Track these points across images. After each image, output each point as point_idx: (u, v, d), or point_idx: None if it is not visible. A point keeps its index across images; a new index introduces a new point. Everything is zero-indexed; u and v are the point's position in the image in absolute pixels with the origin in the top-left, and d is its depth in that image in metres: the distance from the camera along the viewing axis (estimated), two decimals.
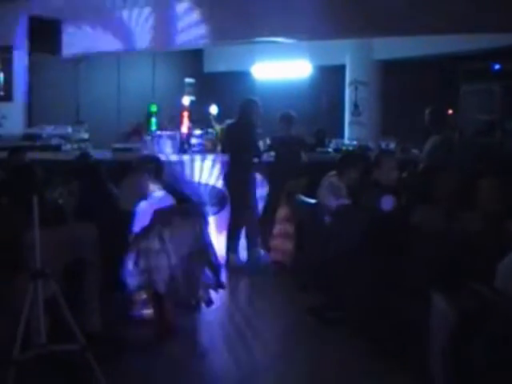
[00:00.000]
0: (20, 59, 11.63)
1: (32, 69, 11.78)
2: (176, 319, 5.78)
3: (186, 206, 6.11)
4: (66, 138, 10.24)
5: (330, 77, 13.20)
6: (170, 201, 5.92)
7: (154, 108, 9.88)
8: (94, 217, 5.51)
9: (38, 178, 5.22)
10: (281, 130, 8.94)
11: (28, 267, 4.61)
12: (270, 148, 8.98)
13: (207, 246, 5.99)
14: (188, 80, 13.53)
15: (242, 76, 13.77)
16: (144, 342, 5.50)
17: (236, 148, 8.33)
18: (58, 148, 9.81)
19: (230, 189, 8.36)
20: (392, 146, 9.70)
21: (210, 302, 6.13)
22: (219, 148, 9.17)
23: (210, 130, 9.56)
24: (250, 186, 8.21)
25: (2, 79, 11.40)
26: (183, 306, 5.85)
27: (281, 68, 13.62)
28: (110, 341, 5.32)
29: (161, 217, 5.56)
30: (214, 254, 6.04)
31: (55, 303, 4.54)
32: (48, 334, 4.57)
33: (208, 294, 6.10)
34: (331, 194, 6.94)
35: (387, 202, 5.62)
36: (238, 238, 8.24)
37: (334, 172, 7.18)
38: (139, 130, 10.10)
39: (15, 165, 7.05)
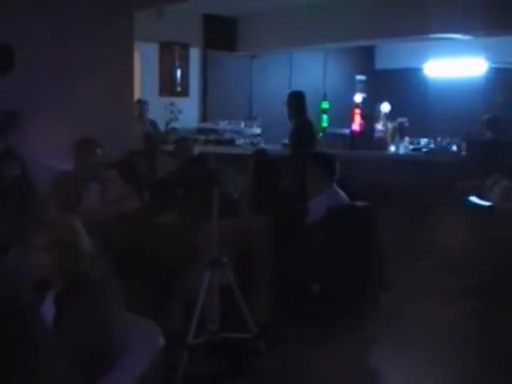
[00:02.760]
0: (196, 56, 12.03)
1: (207, 65, 12.15)
2: (340, 316, 5.78)
3: (358, 204, 6.08)
4: (238, 132, 10.51)
5: (506, 76, 12.73)
6: (342, 198, 5.92)
7: (325, 105, 9.91)
8: (268, 211, 5.61)
9: (215, 170, 5.37)
10: (488, 133, 8.77)
11: (203, 256, 4.77)
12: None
13: (374, 246, 5.96)
14: (359, 77, 13.49)
15: (415, 73, 13.52)
16: (310, 336, 5.53)
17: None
18: (231, 142, 10.06)
19: None
20: None
21: (375, 303, 6.09)
22: (392, 146, 9.10)
23: (380, 128, 9.48)
24: None
25: (179, 75, 11.82)
26: (347, 304, 5.84)
27: (455, 66, 13.28)
28: (278, 332, 5.41)
29: (333, 214, 5.59)
30: (380, 254, 6.00)
31: (229, 291, 4.67)
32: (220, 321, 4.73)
33: (373, 294, 6.06)
34: (505, 198, 6.73)
35: None
36: None
37: (499, 174, 6.96)
38: None
39: (184, 156, 7.28)
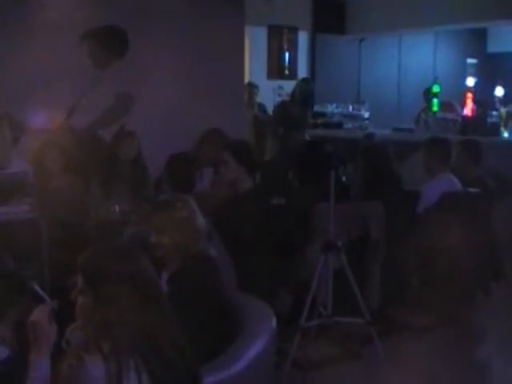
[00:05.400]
0: (304, 39, 12.00)
1: (315, 48, 12.10)
2: (451, 305, 5.67)
3: (473, 191, 5.92)
4: (346, 116, 10.43)
5: None
6: (456, 184, 5.81)
7: (436, 88, 9.70)
8: (379, 195, 5.55)
9: (331, 154, 5.36)
10: None
11: (317, 239, 4.77)
12: None
13: (488, 235, 5.81)
14: (470, 60, 13.13)
15: None
16: (420, 325, 5.47)
17: None
18: (339, 126, 10.01)
19: None
20: None
21: (488, 292, 5.95)
22: (505, 132, 8.83)
23: (493, 113, 9.21)
24: None
25: (287, 58, 11.82)
26: (458, 292, 5.73)
27: None
28: (386, 319, 5.37)
29: (447, 200, 5.49)
30: (494, 243, 5.85)
31: (341, 276, 4.66)
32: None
33: (487, 284, 5.93)
34: None
35: None
36: None
37: None
38: None
39: (303, 142, 7.28)
